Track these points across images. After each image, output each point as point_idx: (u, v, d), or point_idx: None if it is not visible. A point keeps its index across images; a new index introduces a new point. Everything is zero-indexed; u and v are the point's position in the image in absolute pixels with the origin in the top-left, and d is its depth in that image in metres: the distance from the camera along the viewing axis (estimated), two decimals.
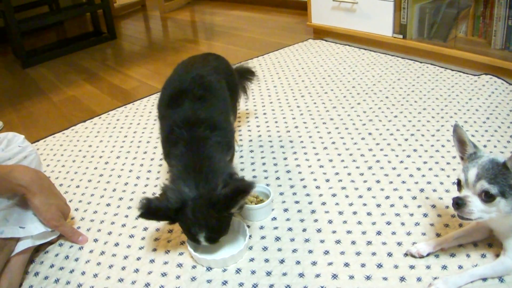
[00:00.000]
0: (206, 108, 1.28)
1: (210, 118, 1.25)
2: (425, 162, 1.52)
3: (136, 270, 1.21)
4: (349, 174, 1.51)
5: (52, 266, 1.27)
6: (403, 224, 1.26)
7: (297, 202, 1.41)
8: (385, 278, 1.09)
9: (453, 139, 1.12)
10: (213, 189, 1.11)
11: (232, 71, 1.64)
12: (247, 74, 1.88)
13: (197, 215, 1.10)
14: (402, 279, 1.08)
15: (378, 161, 1.56)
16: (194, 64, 1.49)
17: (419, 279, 1.08)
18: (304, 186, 1.48)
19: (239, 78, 1.76)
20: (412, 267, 1.11)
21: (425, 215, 1.29)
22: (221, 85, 1.42)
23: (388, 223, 1.27)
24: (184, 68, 1.47)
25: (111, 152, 1.86)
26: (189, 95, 1.30)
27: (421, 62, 2.38)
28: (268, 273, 1.15)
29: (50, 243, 1.35)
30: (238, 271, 1.17)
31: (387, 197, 1.38)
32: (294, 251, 1.22)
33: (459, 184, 1.05)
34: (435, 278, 1.07)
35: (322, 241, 1.24)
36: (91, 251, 1.31)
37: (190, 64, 1.50)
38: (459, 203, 1.01)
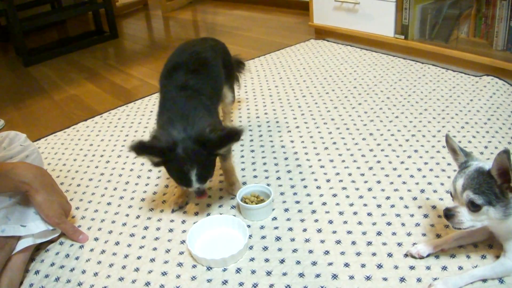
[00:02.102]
0: (197, 79, 1.40)
1: (199, 86, 1.38)
2: (426, 163, 1.52)
3: (137, 269, 1.22)
4: (350, 174, 1.51)
5: (52, 264, 1.28)
6: (403, 224, 1.26)
7: (297, 202, 1.41)
8: (385, 279, 1.09)
9: (447, 148, 1.13)
10: (201, 131, 1.21)
11: (228, 53, 1.79)
12: (237, 65, 2.00)
13: (188, 153, 1.19)
14: (402, 279, 1.08)
15: (379, 162, 1.56)
16: (193, 43, 1.68)
17: (419, 280, 1.08)
18: (305, 186, 1.48)
19: None
20: (412, 267, 1.11)
21: (426, 215, 1.29)
22: (216, 62, 1.56)
23: (389, 223, 1.27)
24: (184, 46, 1.63)
25: (112, 151, 1.87)
26: (184, 68, 1.43)
27: (422, 63, 2.38)
28: (268, 273, 1.15)
29: (51, 241, 1.35)
30: (238, 270, 1.17)
31: (388, 198, 1.38)
32: (294, 251, 1.22)
33: (451, 194, 1.05)
34: (435, 278, 1.07)
35: (322, 241, 1.24)
36: (91, 250, 1.31)
37: (190, 43, 1.68)
38: (447, 215, 1.03)
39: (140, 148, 1.18)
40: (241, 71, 2.05)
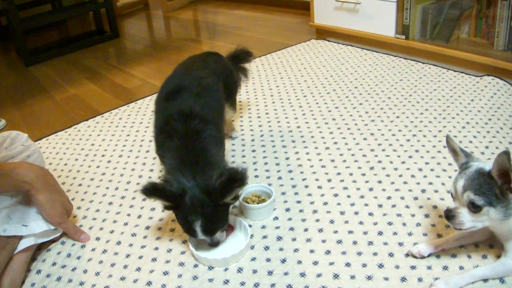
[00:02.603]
0: (201, 104, 1.34)
1: (204, 113, 1.31)
2: (426, 163, 1.52)
3: (138, 269, 1.22)
4: (351, 174, 1.52)
5: (54, 264, 1.28)
6: (404, 224, 1.26)
7: (298, 202, 1.41)
8: (386, 278, 1.09)
9: (448, 149, 1.13)
10: (209, 179, 1.14)
11: (230, 70, 1.73)
12: (244, 56, 1.92)
13: (194, 203, 1.13)
14: (403, 279, 1.09)
15: (380, 162, 1.56)
16: (194, 65, 1.57)
17: (420, 280, 1.08)
18: (306, 186, 1.48)
19: (237, 62, 1.88)
20: (413, 267, 1.12)
21: (427, 215, 1.29)
22: (218, 88, 1.49)
23: (390, 223, 1.27)
24: (184, 68, 1.56)
25: (114, 151, 1.87)
26: (187, 90, 1.37)
27: (423, 63, 2.38)
28: (270, 273, 1.16)
29: (53, 241, 1.35)
30: (239, 270, 1.17)
31: (389, 198, 1.38)
32: (296, 250, 1.22)
33: (452, 195, 1.06)
34: (436, 278, 1.07)
35: (323, 241, 1.24)
36: (93, 250, 1.32)
37: (190, 64, 1.58)
38: (448, 216, 1.03)
39: (151, 191, 1.14)
40: (249, 61, 1.95)
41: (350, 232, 1.26)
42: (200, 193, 1.14)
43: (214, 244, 1.23)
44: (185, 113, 1.28)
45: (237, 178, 1.12)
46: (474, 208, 0.99)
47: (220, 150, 1.30)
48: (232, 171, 1.14)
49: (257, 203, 1.36)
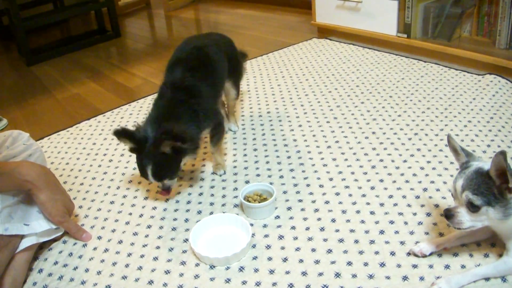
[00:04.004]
0: (195, 77, 1.47)
1: (194, 87, 1.45)
2: (428, 162, 1.52)
3: (140, 268, 1.22)
4: (352, 173, 1.51)
5: (56, 263, 1.28)
6: (406, 223, 1.26)
7: (300, 200, 1.41)
8: (387, 277, 1.09)
9: (449, 149, 1.13)
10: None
11: (233, 48, 1.84)
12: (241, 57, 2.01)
13: (149, 150, 1.34)
14: (405, 278, 1.08)
15: (381, 160, 1.56)
16: (198, 37, 1.75)
17: (421, 279, 1.08)
18: (308, 185, 1.48)
19: None
20: (415, 266, 1.12)
21: (428, 214, 1.29)
22: (219, 57, 1.62)
23: (391, 222, 1.27)
24: (188, 40, 1.69)
25: (115, 150, 1.87)
26: (183, 64, 1.50)
27: (425, 62, 2.37)
28: (271, 271, 1.16)
29: (54, 240, 1.36)
30: (241, 269, 1.17)
31: (390, 196, 1.38)
32: (297, 249, 1.22)
33: (452, 194, 1.06)
34: (438, 277, 1.07)
35: (325, 240, 1.24)
36: (94, 249, 1.32)
37: (195, 37, 1.75)
38: (448, 215, 1.03)
39: (121, 133, 1.36)
40: (245, 61, 2.04)
41: (352, 231, 1.26)
42: (152, 143, 1.33)
43: (166, 189, 1.43)
44: (175, 84, 1.44)
45: (171, 133, 1.30)
46: (473, 207, 0.99)
47: (199, 123, 1.43)
48: (175, 127, 1.32)
49: (259, 202, 1.36)
